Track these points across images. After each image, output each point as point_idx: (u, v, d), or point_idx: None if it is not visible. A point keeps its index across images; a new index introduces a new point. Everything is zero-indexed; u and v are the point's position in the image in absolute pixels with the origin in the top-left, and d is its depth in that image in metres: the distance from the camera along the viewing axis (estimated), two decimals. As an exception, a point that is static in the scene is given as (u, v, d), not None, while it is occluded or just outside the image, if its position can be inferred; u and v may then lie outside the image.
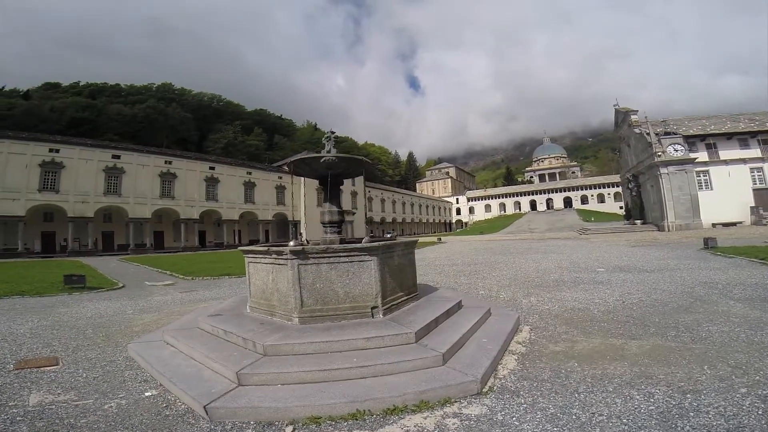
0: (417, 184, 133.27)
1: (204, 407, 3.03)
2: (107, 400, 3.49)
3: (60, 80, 69.93)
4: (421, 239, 47.51)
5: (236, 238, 53.50)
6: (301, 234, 56.92)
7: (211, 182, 49.65)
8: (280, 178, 58.37)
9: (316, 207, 59.86)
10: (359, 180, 72.29)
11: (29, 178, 35.84)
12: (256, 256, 5.36)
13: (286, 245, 4.97)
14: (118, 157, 41.84)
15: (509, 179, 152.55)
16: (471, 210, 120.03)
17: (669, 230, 32.46)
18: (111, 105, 65.65)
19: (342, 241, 5.79)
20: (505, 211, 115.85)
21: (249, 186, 53.57)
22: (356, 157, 5.91)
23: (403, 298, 5.12)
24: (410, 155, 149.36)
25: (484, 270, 12.28)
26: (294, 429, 2.79)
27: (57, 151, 37.84)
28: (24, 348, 5.40)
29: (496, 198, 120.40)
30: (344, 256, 4.65)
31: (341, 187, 6.61)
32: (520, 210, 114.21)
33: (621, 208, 61.93)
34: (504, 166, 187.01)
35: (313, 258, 4.65)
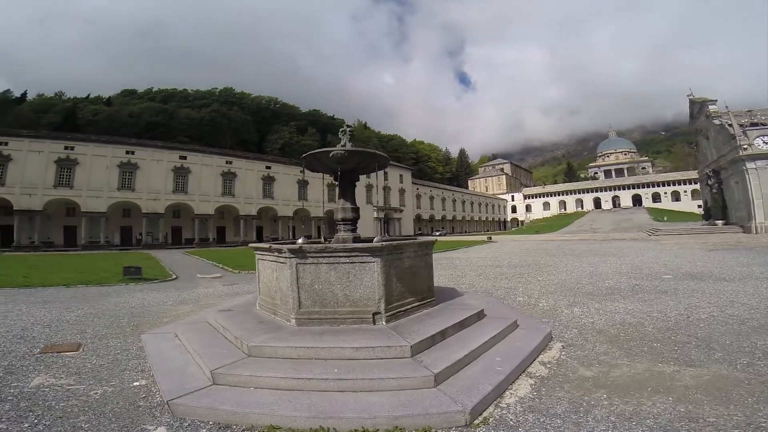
0: (469, 182, 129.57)
1: (167, 402, 3.02)
2: (97, 387, 3.55)
3: (136, 87, 78.68)
4: (469, 238, 46.31)
5: (291, 233, 55.69)
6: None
7: (268, 180, 52.22)
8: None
9: (365, 204, 60.55)
10: (407, 177, 71.89)
11: (109, 177, 40.26)
12: (263, 253, 5.21)
13: (295, 242, 4.75)
14: (185, 157, 45.54)
15: (570, 175, 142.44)
16: (527, 208, 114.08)
17: (757, 232, 27.99)
18: (180, 109, 71.98)
19: (355, 240, 5.45)
20: (565, 210, 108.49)
21: (302, 184, 55.41)
22: (368, 151, 5.53)
23: (413, 305, 4.62)
24: (461, 152, 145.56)
25: (530, 273, 11.26)
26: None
27: (132, 153, 42.08)
28: (60, 333, 5.71)
29: (555, 195, 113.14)
30: (344, 257, 4.28)
31: (357, 182, 6.28)
32: (582, 208, 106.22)
33: (699, 207, 54.71)
34: (565, 162, 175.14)
35: (312, 257, 4.35)
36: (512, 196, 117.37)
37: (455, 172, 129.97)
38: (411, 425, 2.54)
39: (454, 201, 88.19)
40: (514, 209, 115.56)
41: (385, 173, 66.40)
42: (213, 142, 64.90)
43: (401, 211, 67.61)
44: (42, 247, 35.01)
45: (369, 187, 62.85)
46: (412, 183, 74.22)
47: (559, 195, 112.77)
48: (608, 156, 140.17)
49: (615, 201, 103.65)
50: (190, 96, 78.65)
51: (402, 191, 69.75)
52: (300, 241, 5.12)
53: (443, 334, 3.90)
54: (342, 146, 5.82)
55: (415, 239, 5.04)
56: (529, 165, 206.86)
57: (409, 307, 4.54)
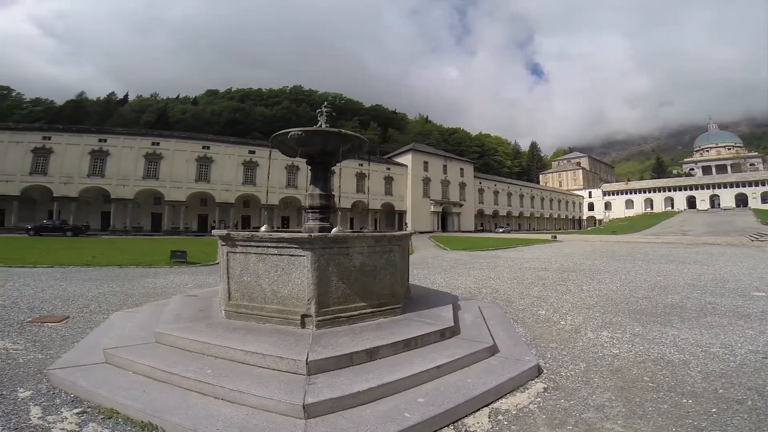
0: (540, 176, 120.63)
1: (46, 371, 3.24)
2: (32, 354, 3.83)
3: (218, 87, 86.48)
4: (532, 236, 42.76)
5: (349, 225, 56.85)
6: (406, 224, 57.34)
7: (330, 174, 53.68)
8: (388, 169, 59.53)
9: (422, 198, 59.49)
10: (468, 171, 68.91)
11: (188, 170, 44.48)
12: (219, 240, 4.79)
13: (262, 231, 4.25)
14: (253, 152, 48.65)
15: (660, 171, 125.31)
16: (607, 205, 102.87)
17: None
18: (255, 107, 77.35)
19: (322, 230, 4.76)
20: (651, 209, 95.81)
21: (360, 177, 56.07)
22: (331, 130, 4.78)
23: (364, 311, 3.80)
24: (533, 145, 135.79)
25: (576, 280, 9.54)
26: (82, 413, 2.68)
27: (208, 147, 45.96)
28: (71, 306, 6.14)
29: (640, 192, 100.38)
30: (272, 247, 3.65)
31: (333, 168, 5.56)
32: (672, 207, 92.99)
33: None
34: (654, 157, 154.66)
35: (241, 246, 3.79)
36: (589, 193, 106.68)
37: (525, 166, 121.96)
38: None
39: (521, 196, 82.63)
40: (591, 207, 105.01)
41: (444, 167, 64.43)
42: (282, 137, 68.53)
43: (461, 205, 65.11)
44: (132, 232, 39.93)
45: (427, 180, 61.50)
46: (474, 177, 70.95)
47: (645, 192, 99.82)
48: (707, 151, 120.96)
49: (714, 201, 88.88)
50: (264, 95, 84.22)
51: (462, 185, 67.06)
52: (263, 228, 4.61)
53: (371, 354, 3.05)
54: (318, 127, 5.21)
55: (367, 234, 4.17)
56: (612, 160, 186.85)
57: (356, 313, 3.75)
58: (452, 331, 3.67)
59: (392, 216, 59.95)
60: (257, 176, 48.62)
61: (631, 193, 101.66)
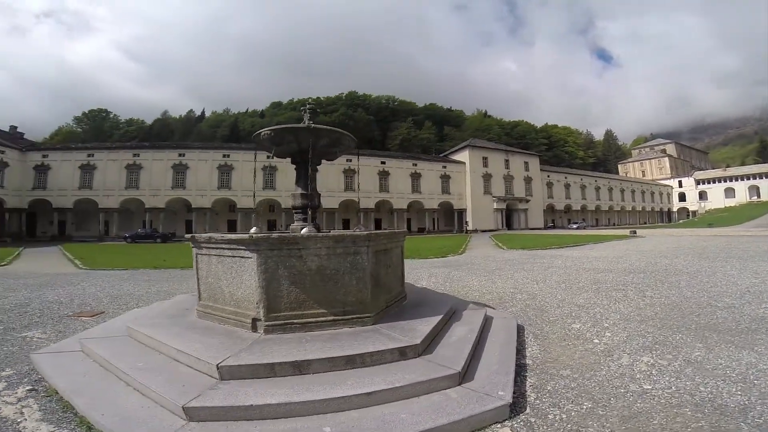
0: (619, 166, 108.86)
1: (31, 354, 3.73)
2: (49, 342, 4.39)
3: (281, 99, 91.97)
4: (607, 232, 38.39)
5: (407, 225, 56.53)
6: (466, 222, 55.36)
7: (383, 175, 54.02)
8: (444, 167, 58.09)
9: (482, 195, 57.03)
10: (533, 164, 64.51)
11: (257, 179, 47.87)
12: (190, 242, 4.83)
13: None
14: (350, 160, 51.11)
15: (766, 155, 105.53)
16: (702, 195, 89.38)
17: None
18: (316, 116, 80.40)
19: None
20: (758, 197, 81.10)
21: (415, 177, 55.53)
22: (299, 126, 4.47)
23: (323, 318, 3.43)
24: (608, 133, 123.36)
25: (639, 284, 8.04)
26: (32, 390, 3.01)
27: (272, 157, 48.86)
28: (114, 303, 6.86)
29: (743, 179, 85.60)
30: (227, 249, 3.51)
31: (318, 166, 5.27)
32: (785, 195, 77.73)
33: None
34: (757, 140, 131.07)
35: (204, 248, 3.73)
36: (679, 182, 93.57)
37: (601, 156, 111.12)
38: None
39: (597, 189, 75.19)
40: (682, 197, 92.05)
41: (506, 162, 61.05)
42: (341, 143, 70.67)
43: (527, 201, 61.09)
44: (209, 236, 43.91)
45: (487, 176, 58.78)
46: (541, 170, 66.13)
47: (749, 179, 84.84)
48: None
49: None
50: (322, 102, 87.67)
51: (528, 179, 62.89)
52: (252, 230, 4.45)
53: (299, 367, 2.74)
54: (304, 125, 4.97)
55: (329, 234, 3.73)
56: (706, 145, 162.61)
57: (312, 320, 3.41)
58: (417, 350, 3.03)
59: (451, 215, 58.36)
60: (317, 181, 50.57)
61: (731, 181, 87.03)
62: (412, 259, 14.63)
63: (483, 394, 2.61)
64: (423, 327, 3.42)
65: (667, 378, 3.17)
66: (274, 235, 3.42)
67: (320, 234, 3.61)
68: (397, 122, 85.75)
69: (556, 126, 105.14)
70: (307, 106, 5.01)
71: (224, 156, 47.25)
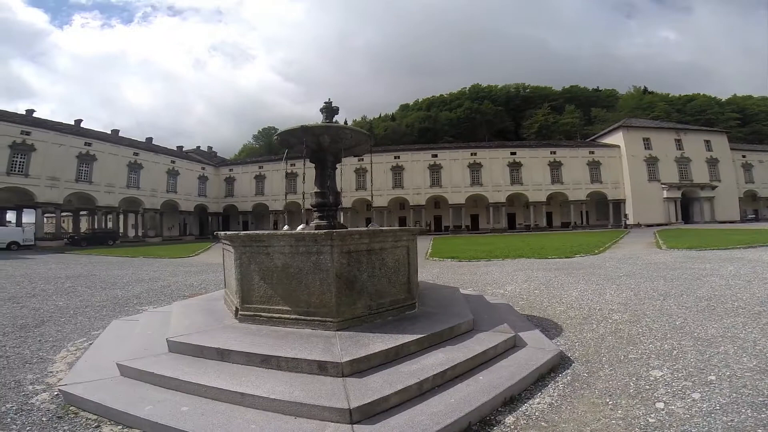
0: None
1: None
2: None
3: (408, 101, 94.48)
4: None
5: (546, 220, 51.00)
6: (626, 214, 46.37)
7: (514, 167, 50.03)
8: (592, 153, 49.92)
9: (646, 182, 47.06)
10: (719, 142, 49.61)
11: (387, 178, 50.88)
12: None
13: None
14: (436, 155, 51.17)
15: None
16: None
17: None
18: (440, 113, 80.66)
19: (319, 228, 4.56)
20: None
21: (554, 166, 49.55)
22: (294, 128, 4.47)
23: (287, 316, 3.54)
24: None
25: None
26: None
27: (398, 157, 51.41)
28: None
29: None
30: (227, 244, 4.36)
31: (336, 164, 5.17)
32: None
33: None
34: None
35: (222, 243, 4.63)
36: None
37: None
38: None
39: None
40: None
41: (677, 142, 48.49)
42: (470, 137, 68.50)
43: (712, 187, 47.24)
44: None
45: (652, 160, 47.88)
46: (732, 149, 50.06)
47: None
48: None
49: None
50: (445, 99, 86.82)
51: (712, 161, 48.55)
52: (284, 228, 4.84)
53: (201, 350, 2.99)
54: (299, 125, 5.02)
55: (297, 232, 3.64)
56: None
57: (276, 316, 3.57)
58: (339, 369, 2.70)
59: (604, 207, 49.79)
60: (442, 177, 50.59)
61: None
62: (525, 259, 13.19)
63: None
64: (380, 346, 2.98)
65: None
66: (242, 233, 3.61)
67: (279, 232, 3.59)
68: (531, 110, 78.35)
69: (750, 97, 76.90)
70: (324, 104, 4.96)
71: (360, 160, 51.92)
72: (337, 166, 5.14)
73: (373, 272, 3.65)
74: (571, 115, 73.45)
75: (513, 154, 50.50)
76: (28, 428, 2.41)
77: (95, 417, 2.51)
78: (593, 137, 57.54)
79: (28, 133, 33.21)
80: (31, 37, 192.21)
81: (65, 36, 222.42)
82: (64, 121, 41.01)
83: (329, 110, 4.90)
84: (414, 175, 50.74)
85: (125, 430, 2.38)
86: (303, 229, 4.06)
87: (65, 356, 3.78)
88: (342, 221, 5.34)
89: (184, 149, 59.49)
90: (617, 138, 49.88)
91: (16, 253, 22.73)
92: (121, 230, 45.58)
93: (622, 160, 48.53)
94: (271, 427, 2.17)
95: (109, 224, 44.53)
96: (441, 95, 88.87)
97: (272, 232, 3.71)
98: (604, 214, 50.03)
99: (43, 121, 37.65)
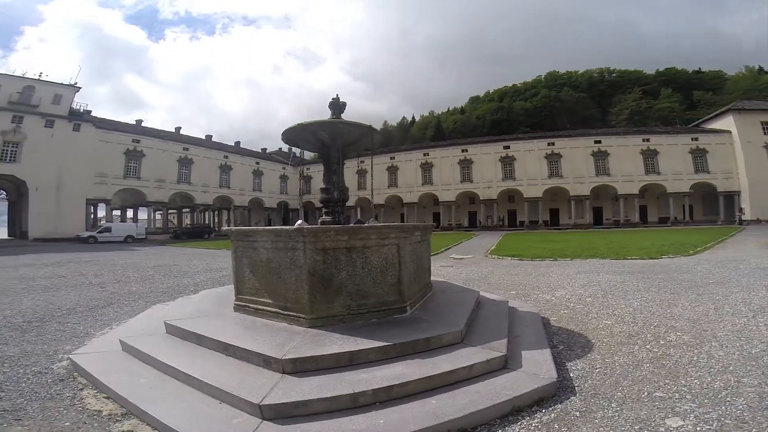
0: None
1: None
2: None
3: (478, 93, 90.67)
4: None
5: (640, 215, 45.05)
6: (741, 209, 39.03)
7: (600, 156, 45.15)
8: (695, 140, 42.84)
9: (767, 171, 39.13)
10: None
11: (453, 172, 49.73)
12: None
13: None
14: (508, 147, 48.48)
15: None
16: None
17: None
18: (514, 103, 75.99)
19: (324, 223, 4.75)
20: None
21: (648, 155, 43.61)
22: (293, 126, 4.53)
23: (269, 308, 3.76)
24: None
25: None
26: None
27: (466, 150, 49.96)
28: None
29: None
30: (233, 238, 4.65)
31: (342, 162, 5.16)
32: None
33: None
34: None
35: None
36: None
37: None
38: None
39: None
40: None
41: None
42: (549, 126, 63.31)
43: None
44: (454, 228, 49.02)
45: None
46: None
47: None
48: None
49: None
50: (519, 89, 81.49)
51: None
52: (298, 222, 5.02)
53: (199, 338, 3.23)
54: (297, 123, 5.09)
55: (277, 228, 3.77)
56: None
57: (260, 308, 3.81)
58: (280, 365, 2.76)
59: (713, 200, 42.43)
60: (515, 171, 47.81)
61: None
62: (598, 259, 11.99)
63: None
64: (334, 348, 2.93)
65: None
66: (234, 228, 3.83)
67: (262, 228, 3.76)
68: (620, 95, 69.78)
69: None
70: (331, 100, 4.98)
71: (425, 155, 51.61)
72: (349, 161, 5.16)
73: (354, 271, 3.57)
74: (668, 99, 64.01)
75: (597, 142, 45.57)
76: (32, 386, 3.00)
77: (85, 382, 3.05)
78: (695, 123, 49.25)
79: (138, 141, 39.55)
80: (135, 53, 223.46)
81: (161, 49, 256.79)
82: (167, 129, 48.02)
83: (336, 106, 4.92)
84: (483, 168, 48.66)
85: (97, 393, 2.84)
86: (301, 225, 4.17)
87: (105, 333, 4.47)
88: (377, 218, 5.36)
89: (267, 151, 65.09)
90: (727, 123, 41.95)
91: (130, 245, 27.10)
92: (216, 225, 51.68)
93: (735, 147, 40.74)
94: (197, 405, 2.41)
95: (206, 220, 50.66)
96: (514, 85, 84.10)
97: (257, 227, 3.95)
98: (712, 209, 42.57)
99: (149, 129, 44.44)
